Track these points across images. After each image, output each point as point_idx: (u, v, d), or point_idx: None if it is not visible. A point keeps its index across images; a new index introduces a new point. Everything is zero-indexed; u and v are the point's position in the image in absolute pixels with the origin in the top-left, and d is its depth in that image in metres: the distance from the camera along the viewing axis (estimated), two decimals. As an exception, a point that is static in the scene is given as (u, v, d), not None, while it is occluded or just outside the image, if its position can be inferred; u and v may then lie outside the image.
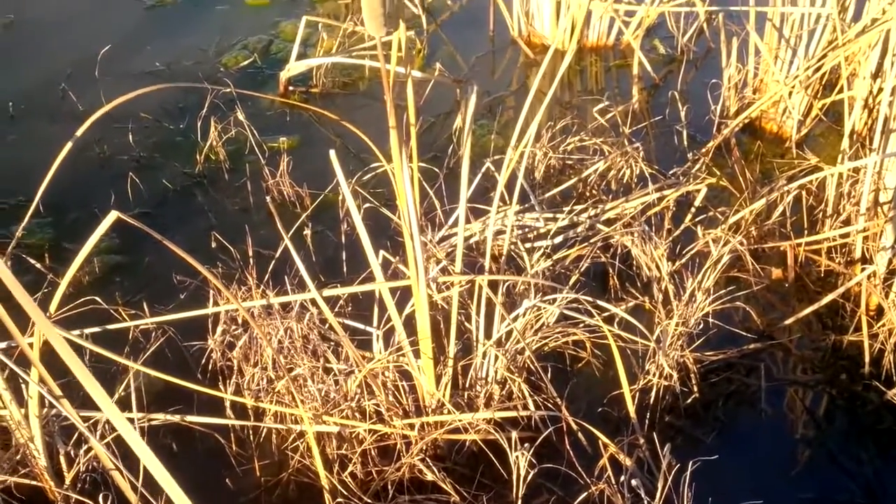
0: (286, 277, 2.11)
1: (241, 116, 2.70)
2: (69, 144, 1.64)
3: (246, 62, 3.21)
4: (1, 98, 2.99)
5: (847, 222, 2.32)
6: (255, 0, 3.61)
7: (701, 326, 2.03)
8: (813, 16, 2.60)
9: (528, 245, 2.35)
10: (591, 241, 2.17)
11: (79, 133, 1.69)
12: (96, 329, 1.73)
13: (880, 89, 2.53)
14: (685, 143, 2.74)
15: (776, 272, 2.31)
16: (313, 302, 1.83)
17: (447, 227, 2.36)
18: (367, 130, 2.87)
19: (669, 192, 2.32)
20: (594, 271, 2.29)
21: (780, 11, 2.64)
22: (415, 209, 1.57)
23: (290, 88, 3.08)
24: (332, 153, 1.62)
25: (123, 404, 1.77)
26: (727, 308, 2.08)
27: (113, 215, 1.56)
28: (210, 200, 2.66)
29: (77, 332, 1.68)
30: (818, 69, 2.56)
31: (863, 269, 2.14)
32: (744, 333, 2.13)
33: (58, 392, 1.57)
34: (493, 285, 1.91)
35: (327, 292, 1.74)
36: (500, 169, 2.33)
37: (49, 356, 1.47)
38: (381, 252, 1.97)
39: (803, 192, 2.39)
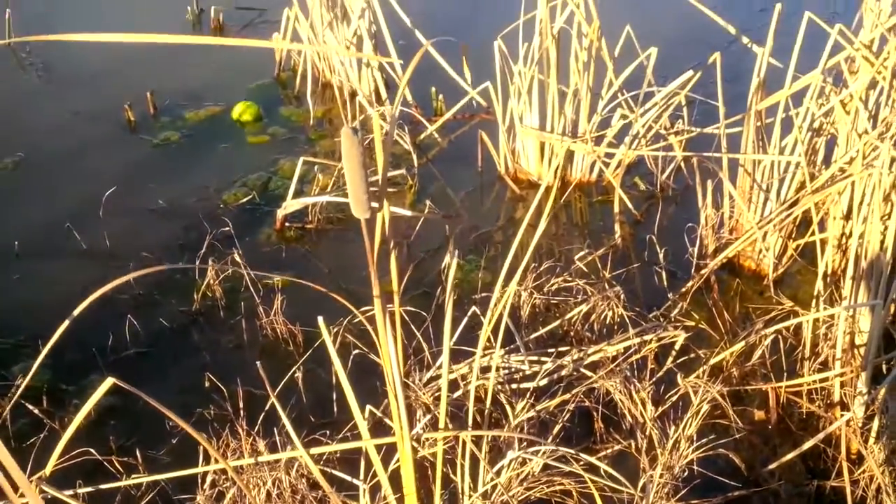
0: (276, 427, 2.16)
1: (237, 257, 2.80)
2: (89, 300, 1.68)
3: (245, 199, 3.34)
4: (7, 236, 3.09)
5: (826, 364, 2.38)
6: (256, 138, 3.78)
7: (686, 473, 2.07)
8: (783, 163, 2.74)
9: (513, 385, 2.40)
10: (575, 391, 2.23)
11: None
12: (88, 489, 1.77)
13: (851, 231, 2.63)
14: (665, 283, 2.83)
15: (759, 414, 2.36)
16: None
17: (434, 368, 2.42)
18: (358, 264, 2.97)
19: (650, 337, 2.40)
20: (579, 414, 2.33)
21: (752, 158, 2.78)
22: (399, 374, 1.63)
23: (287, 225, 3.19)
24: (321, 320, 1.70)
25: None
26: (712, 454, 2.12)
27: (109, 381, 1.64)
28: (205, 339, 2.73)
29: (69, 492, 1.72)
30: (790, 213, 2.67)
31: (842, 415, 2.19)
32: (728, 481, 2.15)
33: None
34: (479, 434, 1.96)
35: (314, 450, 1.78)
36: (486, 308, 2.42)
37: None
38: (368, 407, 2.03)
39: (781, 334, 2.46)
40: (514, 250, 1.80)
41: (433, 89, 3.94)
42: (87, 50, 4.38)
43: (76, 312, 1.65)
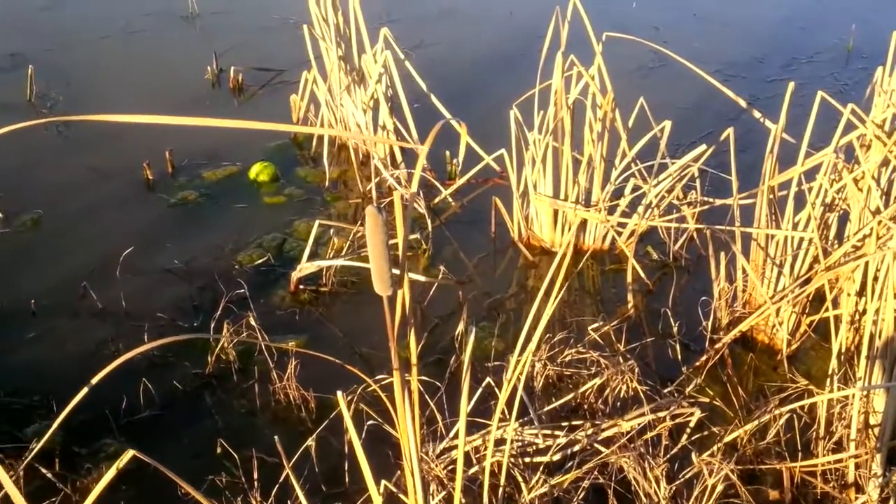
0: (290, 499, 2.15)
1: (252, 321, 2.81)
2: (106, 370, 1.69)
3: (260, 260, 3.37)
4: (24, 294, 3.11)
5: (840, 444, 2.36)
6: (272, 198, 3.82)
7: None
8: (796, 238, 2.76)
9: (526, 459, 2.39)
10: (587, 467, 2.22)
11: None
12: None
13: (866, 309, 2.64)
14: (679, 356, 2.83)
15: (773, 494, 2.34)
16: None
17: (448, 439, 2.41)
18: (372, 328, 2.98)
19: (664, 414, 2.39)
20: (592, 490, 2.32)
21: (765, 233, 2.81)
22: (416, 455, 1.63)
23: (301, 287, 3.22)
24: (340, 394, 1.71)
25: None
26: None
27: (129, 453, 1.65)
28: (218, 402, 2.73)
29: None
30: (804, 290, 2.68)
31: (857, 497, 2.17)
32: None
33: None
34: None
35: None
36: (499, 378, 2.42)
37: None
38: (382, 482, 2.02)
39: (795, 412, 2.45)
40: (530, 321, 1.81)
41: (447, 153, 3.99)
42: (106, 107, 4.46)
43: (94, 381, 1.65)
